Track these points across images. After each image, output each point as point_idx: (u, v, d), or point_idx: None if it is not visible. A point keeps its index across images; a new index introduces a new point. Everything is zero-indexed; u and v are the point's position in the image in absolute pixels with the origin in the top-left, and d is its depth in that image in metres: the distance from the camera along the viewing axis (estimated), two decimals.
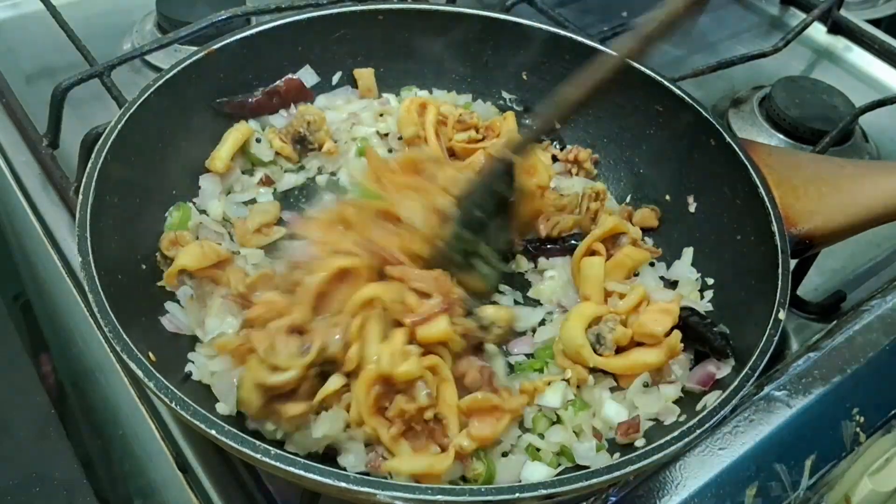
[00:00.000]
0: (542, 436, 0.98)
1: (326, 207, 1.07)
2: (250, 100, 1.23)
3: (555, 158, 1.30)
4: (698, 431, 0.85)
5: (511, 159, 1.04)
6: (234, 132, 1.18)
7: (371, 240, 1.00)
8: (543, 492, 0.79)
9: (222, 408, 0.93)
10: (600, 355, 1.02)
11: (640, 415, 0.98)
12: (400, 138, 1.27)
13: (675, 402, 1.00)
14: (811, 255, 1.15)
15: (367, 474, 0.91)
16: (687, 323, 1.02)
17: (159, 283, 1.04)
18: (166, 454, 1.01)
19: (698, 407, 0.95)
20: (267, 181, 1.21)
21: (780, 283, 0.98)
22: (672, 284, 1.15)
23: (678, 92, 1.19)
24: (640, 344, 1.03)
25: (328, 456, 0.93)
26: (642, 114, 1.24)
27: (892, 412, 1.10)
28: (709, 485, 0.98)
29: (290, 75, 1.24)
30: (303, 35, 1.24)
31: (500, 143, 1.18)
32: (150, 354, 0.88)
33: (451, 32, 1.30)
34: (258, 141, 1.21)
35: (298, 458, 0.79)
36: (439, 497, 0.78)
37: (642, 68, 1.22)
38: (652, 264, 1.17)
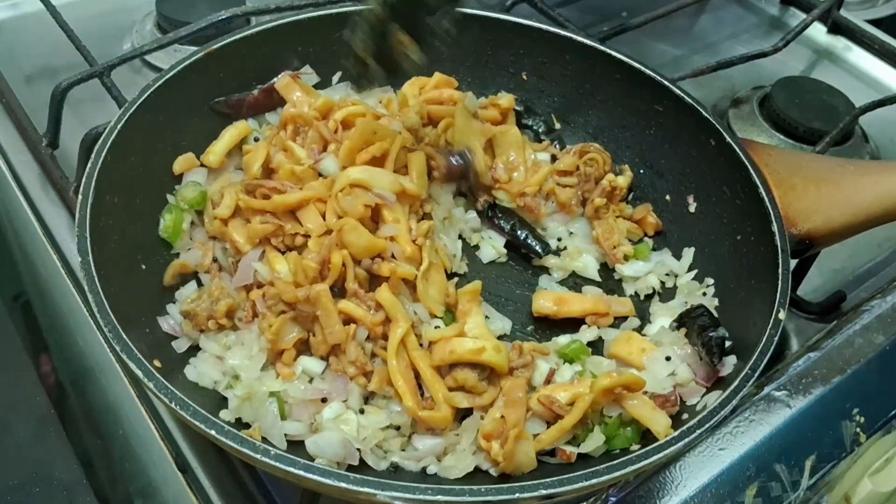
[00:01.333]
0: None
1: None
2: (248, 98, 1.22)
3: (554, 158, 1.30)
4: (698, 431, 0.85)
5: None
6: (231, 129, 1.18)
7: None
8: (543, 492, 0.79)
9: (226, 414, 0.93)
10: None
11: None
12: None
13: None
14: (811, 255, 1.15)
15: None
16: (695, 320, 1.03)
17: (161, 283, 1.05)
18: (166, 454, 1.01)
19: (698, 407, 0.95)
20: None
21: (780, 283, 0.98)
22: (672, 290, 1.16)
23: (678, 92, 1.19)
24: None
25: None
26: (643, 114, 1.24)
27: (892, 412, 1.10)
28: (709, 485, 0.98)
29: (287, 72, 1.24)
30: (303, 35, 1.24)
31: None
32: (156, 362, 0.88)
33: None
34: (256, 140, 1.21)
35: (298, 459, 0.79)
36: (439, 497, 0.78)
37: (642, 68, 1.22)
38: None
